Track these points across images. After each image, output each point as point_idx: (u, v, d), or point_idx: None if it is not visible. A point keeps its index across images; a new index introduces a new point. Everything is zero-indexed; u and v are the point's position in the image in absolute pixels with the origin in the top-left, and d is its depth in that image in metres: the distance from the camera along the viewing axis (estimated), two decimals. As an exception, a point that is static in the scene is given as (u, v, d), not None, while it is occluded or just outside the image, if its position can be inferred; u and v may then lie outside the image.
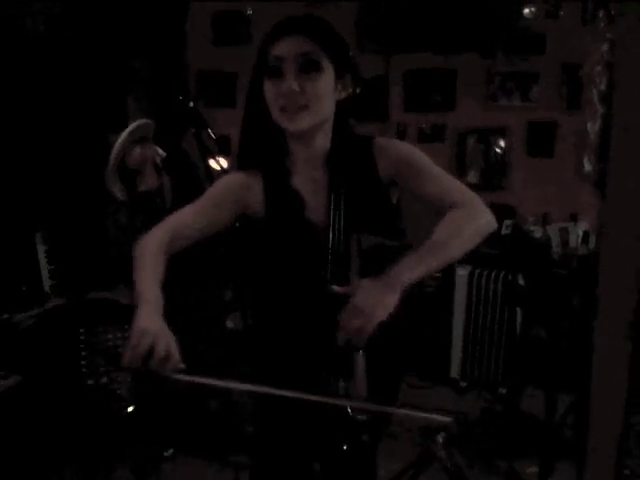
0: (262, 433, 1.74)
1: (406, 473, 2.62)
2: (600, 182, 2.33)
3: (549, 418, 3.13)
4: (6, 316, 2.93)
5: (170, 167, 3.30)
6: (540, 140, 4.48)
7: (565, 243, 3.99)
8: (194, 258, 1.90)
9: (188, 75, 5.04)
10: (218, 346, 3.33)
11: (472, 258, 3.91)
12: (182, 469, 3.13)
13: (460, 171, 4.66)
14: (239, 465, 2.97)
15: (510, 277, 3.85)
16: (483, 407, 3.71)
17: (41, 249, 3.29)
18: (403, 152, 1.55)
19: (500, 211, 4.38)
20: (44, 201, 3.38)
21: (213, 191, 1.59)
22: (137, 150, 3.15)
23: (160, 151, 3.29)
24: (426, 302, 3.95)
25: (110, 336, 3.09)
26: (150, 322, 1.31)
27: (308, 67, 1.43)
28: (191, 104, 2.71)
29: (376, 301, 1.32)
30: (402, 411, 1.34)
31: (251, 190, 1.55)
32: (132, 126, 3.16)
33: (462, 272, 3.98)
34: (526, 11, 4.40)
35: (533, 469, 3.10)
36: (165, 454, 3.18)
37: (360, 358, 1.38)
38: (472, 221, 1.43)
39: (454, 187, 1.49)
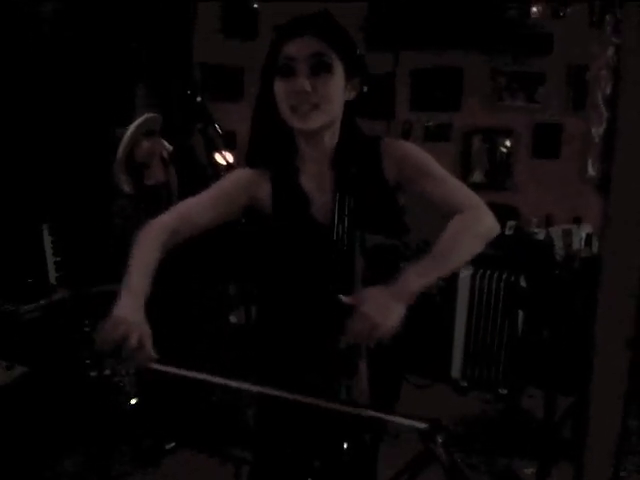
0: (262, 430, 1.75)
1: (405, 472, 2.64)
2: (603, 185, 2.33)
3: (548, 419, 3.15)
4: (12, 307, 2.94)
5: (177, 161, 3.31)
6: (545, 142, 4.49)
7: (568, 245, 4.00)
8: (198, 253, 1.91)
9: (195, 69, 5.04)
10: (221, 341, 3.35)
11: (474, 259, 3.92)
12: (183, 462, 3.15)
13: (465, 170, 4.67)
14: (240, 459, 2.99)
15: (512, 278, 3.86)
16: (483, 407, 3.73)
17: (47, 241, 3.30)
18: (409, 153, 1.56)
19: (503, 212, 4.41)
20: (51, 193, 3.40)
21: (223, 183, 1.61)
22: (145, 144, 3.17)
23: (167, 145, 3.31)
24: (428, 302, 3.96)
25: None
26: (128, 312, 1.36)
27: (320, 68, 1.44)
28: (199, 99, 2.73)
29: (385, 311, 1.33)
30: (375, 414, 1.35)
31: (260, 186, 1.57)
32: (140, 119, 3.18)
33: (464, 273, 3.99)
34: (533, 10, 4.40)
35: (531, 470, 3.12)
36: (167, 447, 3.20)
37: (363, 359, 1.40)
38: (477, 226, 1.46)
39: (459, 191, 1.51)
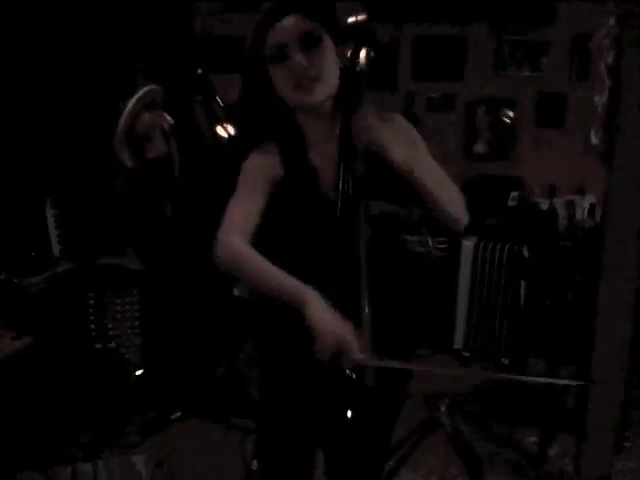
0: (267, 400, 1.77)
1: (409, 439, 2.67)
2: (606, 155, 2.32)
3: (550, 388, 3.17)
4: (16, 280, 2.96)
5: (178, 134, 3.30)
6: (549, 111, 4.45)
7: (571, 216, 3.99)
8: (202, 227, 1.91)
9: (196, 41, 5.00)
10: (225, 314, 3.36)
11: (478, 229, 3.93)
12: (189, 431, 3.19)
13: (468, 141, 4.65)
14: (245, 429, 3.03)
15: (515, 249, 3.86)
16: (485, 376, 3.75)
17: (50, 214, 3.31)
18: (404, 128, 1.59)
19: (507, 182, 4.41)
20: (53, 166, 3.40)
21: (247, 181, 1.58)
22: (146, 116, 3.15)
23: (168, 118, 3.29)
24: (431, 273, 3.97)
25: (118, 301, 3.12)
26: (332, 318, 1.39)
27: (310, 43, 1.45)
28: (199, 71, 2.71)
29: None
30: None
31: (273, 168, 1.58)
32: (141, 92, 3.15)
33: (468, 243, 4.00)
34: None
35: (533, 439, 3.15)
36: (172, 417, 3.24)
37: (366, 310, 1.43)
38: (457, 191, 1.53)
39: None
